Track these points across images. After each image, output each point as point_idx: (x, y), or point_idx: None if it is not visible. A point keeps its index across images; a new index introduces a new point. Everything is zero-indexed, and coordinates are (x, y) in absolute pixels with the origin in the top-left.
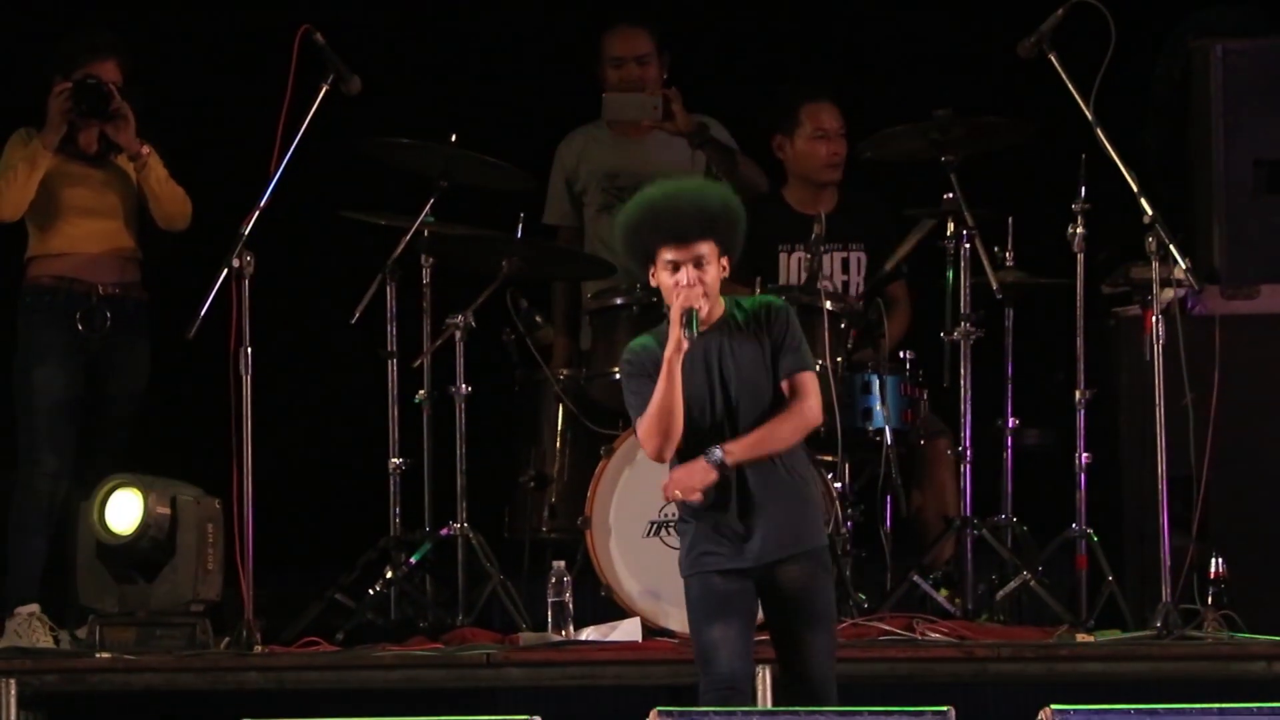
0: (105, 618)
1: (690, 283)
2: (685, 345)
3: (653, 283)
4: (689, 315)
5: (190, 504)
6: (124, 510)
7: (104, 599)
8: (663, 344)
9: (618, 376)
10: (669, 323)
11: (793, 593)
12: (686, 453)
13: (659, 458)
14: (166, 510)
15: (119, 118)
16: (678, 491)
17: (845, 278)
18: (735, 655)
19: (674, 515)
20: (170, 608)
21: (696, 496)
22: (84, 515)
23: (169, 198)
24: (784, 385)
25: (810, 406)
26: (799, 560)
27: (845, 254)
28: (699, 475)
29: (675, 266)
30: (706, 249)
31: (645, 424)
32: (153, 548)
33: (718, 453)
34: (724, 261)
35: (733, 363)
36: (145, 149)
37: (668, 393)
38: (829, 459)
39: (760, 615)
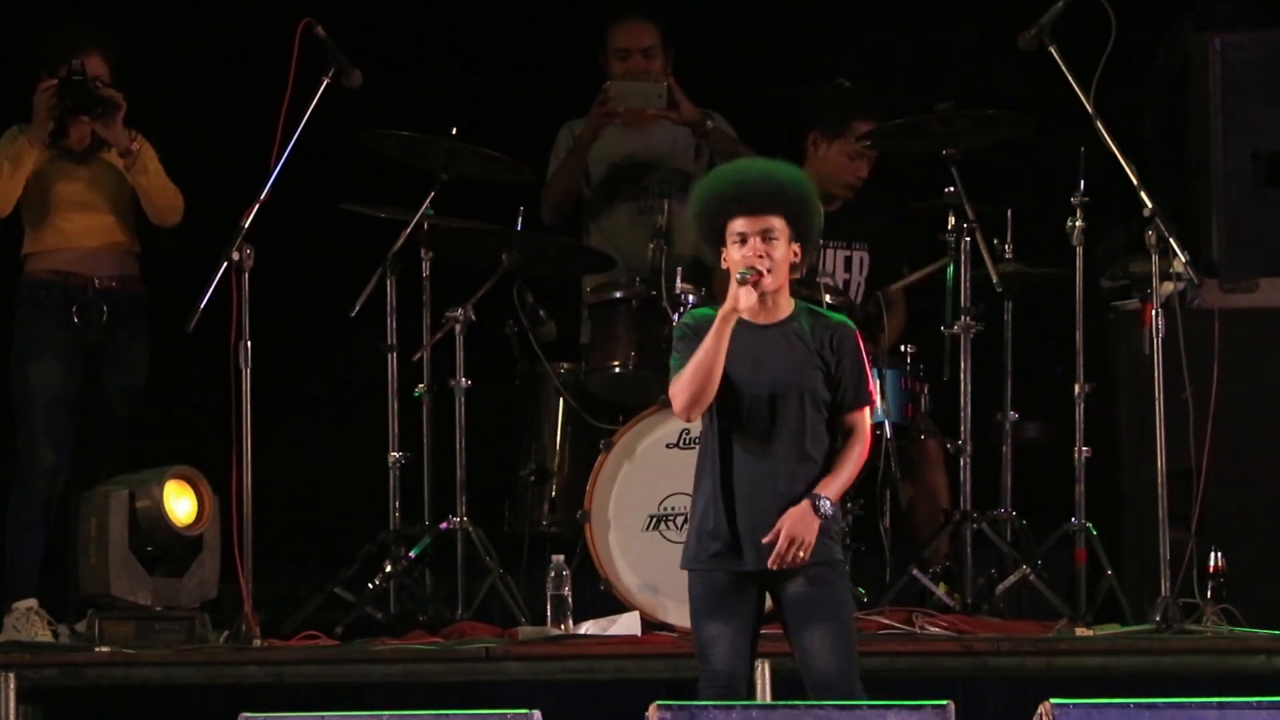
0: (104, 612)
1: (757, 252)
2: (742, 305)
3: (724, 265)
4: (748, 271)
5: (215, 499)
6: (180, 502)
7: (138, 592)
8: None
9: (617, 370)
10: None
11: (798, 599)
12: (724, 435)
13: (687, 416)
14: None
15: (106, 114)
16: (791, 556)
17: (847, 276)
18: (732, 652)
19: (673, 509)
20: (199, 602)
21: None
22: (118, 506)
23: (160, 194)
24: (846, 418)
25: (866, 447)
26: (807, 571)
27: (849, 252)
28: (811, 527)
29: (743, 239)
30: (776, 223)
31: (681, 378)
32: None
33: (825, 505)
34: (795, 248)
35: (782, 362)
36: (135, 144)
37: (712, 349)
38: None
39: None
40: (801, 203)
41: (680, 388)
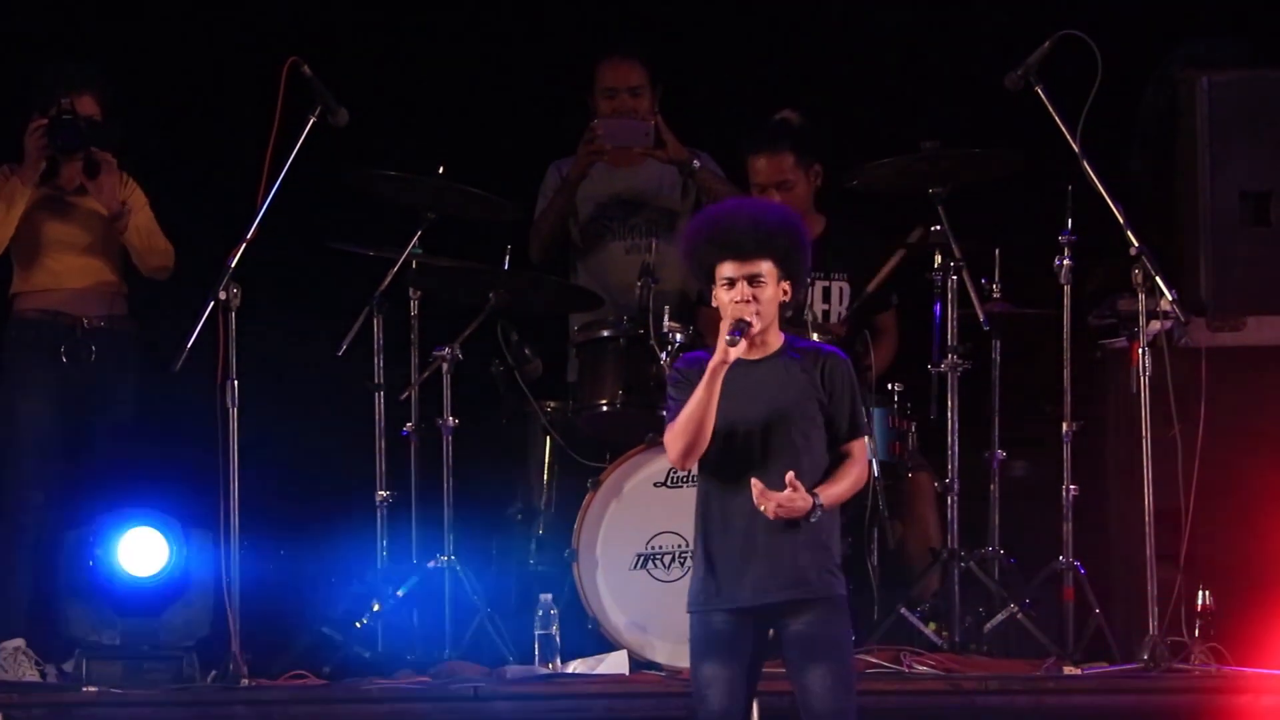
0: (92, 652)
1: (744, 298)
2: (731, 357)
3: (714, 304)
4: (737, 325)
5: (205, 539)
6: (144, 550)
7: (101, 632)
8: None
9: (605, 409)
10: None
11: (800, 636)
12: (718, 471)
13: (681, 465)
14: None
15: (96, 174)
16: (772, 506)
17: (825, 307)
18: (726, 694)
19: (661, 548)
20: (190, 641)
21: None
22: (74, 548)
23: (149, 254)
24: (842, 449)
25: (864, 471)
26: (809, 608)
27: (826, 283)
28: (800, 506)
29: (731, 283)
30: (764, 267)
31: (674, 429)
32: (167, 584)
33: (819, 511)
34: (785, 285)
35: (780, 395)
36: (126, 204)
37: (704, 401)
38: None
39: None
40: (790, 246)
41: (673, 438)
